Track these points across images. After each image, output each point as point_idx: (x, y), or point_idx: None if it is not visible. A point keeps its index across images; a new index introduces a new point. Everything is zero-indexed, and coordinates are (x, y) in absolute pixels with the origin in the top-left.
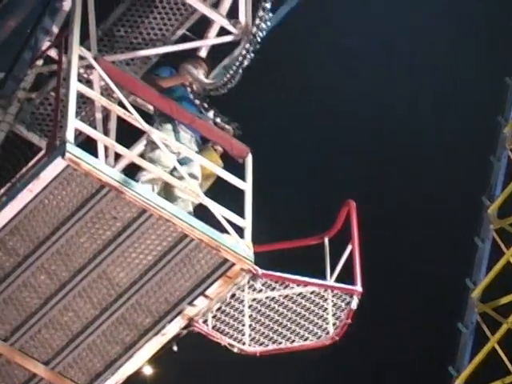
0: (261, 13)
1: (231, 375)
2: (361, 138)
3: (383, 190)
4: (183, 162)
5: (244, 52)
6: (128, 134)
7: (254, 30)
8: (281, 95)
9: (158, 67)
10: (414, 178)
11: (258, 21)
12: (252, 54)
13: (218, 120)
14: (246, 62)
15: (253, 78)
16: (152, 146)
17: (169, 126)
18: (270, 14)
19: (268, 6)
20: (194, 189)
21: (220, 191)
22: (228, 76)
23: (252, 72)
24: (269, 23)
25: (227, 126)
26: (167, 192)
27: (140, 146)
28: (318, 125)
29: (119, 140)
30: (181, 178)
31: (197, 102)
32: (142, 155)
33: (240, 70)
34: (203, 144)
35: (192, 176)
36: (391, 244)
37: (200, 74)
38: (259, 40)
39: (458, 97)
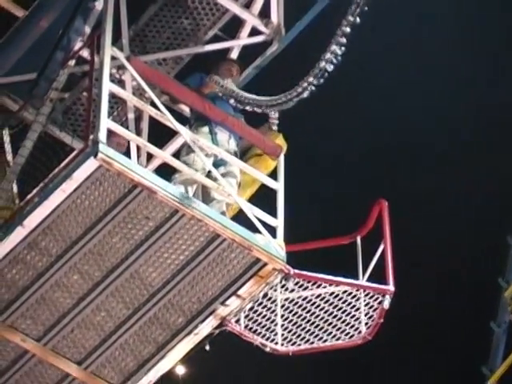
0: (333, 47)
1: (263, 376)
2: (398, 138)
3: (413, 187)
4: (220, 163)
5: (311, 79)
6: (161, 135)
7: (328, 55)
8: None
9: (189, 75)
10: (445, 174)
11: (333, 46)
12: (316, 84)
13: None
14: (308, 91)
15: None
16: (187, 149)
17: (205, 129)
18: (343, 48)
19: (344, 41)
20: (227, 189)
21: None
22: (280, 101)
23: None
24: (339, 58)
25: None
26: (204, 193)
27: (172, 147)
28: (351, 124)
29: (151, 140)
30: (220, 179)
31: (231, 101)
32: (176, 156)
33: (300, 96)
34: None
35: (230, 175)
36: (423, 243)
37: (229, 82)
38: (330, 67)
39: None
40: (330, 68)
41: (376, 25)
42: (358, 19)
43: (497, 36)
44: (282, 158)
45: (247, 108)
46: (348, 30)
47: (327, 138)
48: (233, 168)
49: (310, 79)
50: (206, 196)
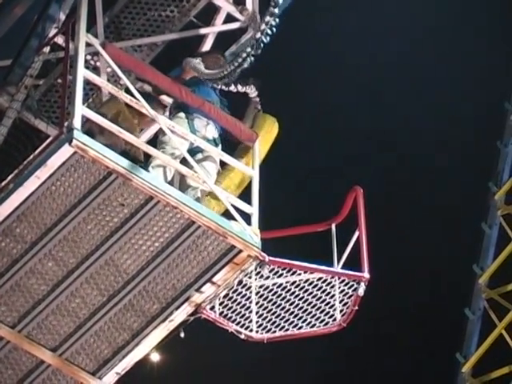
0: (267, 18)
1: (238, 362)
2: (371, 123)
3: (389, 177)
4: (198, 149)
5: (249, 49)
6: None
7: (263, 26)
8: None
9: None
10: (420, 165)
11: (267, 18)
12: (254, 54)
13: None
14: (247, 62)
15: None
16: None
17: (181, 115)
18: (277, 20)
19: (277, 12)
20: (201, 176)
21: None
22: (228, 69)
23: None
24: (274, 29)
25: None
26: (181, 180)
27: (148, 133)
28: (327, 114)
29: None
30: (194, 165)
31: (213, 85)
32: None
33: (241, 67)
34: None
35: (209, 160)
36: (396, 230)
37: (197, 62)
38: (267, 39)
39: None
40: (266, 39)
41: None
42: None
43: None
44: (257, 144)
45: (210, 84)
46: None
47: (308, 124)
48: (211, 154)
49: (248, 50)
50: (182, 183)
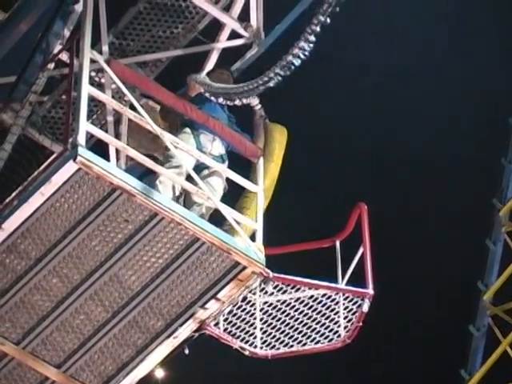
0: (302, 43)
1: (243, 379)
2: (373, 141)
3: (394, 193)
4: (204, 165)
5: (277, 70)
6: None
7: (296, 50)
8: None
9: (168, 79)
10: (425, 181)
11: (302, 43)
12: (282, 76)
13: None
14: (274, 81)
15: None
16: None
17: (187, 130)
18: (311, 45)
19: (313, 39)
20: (206, 192)
21: (231, 194)
22: (251, 86)
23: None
24: (307, 54)
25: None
26: (187, 196)
27: None
28: (330, 126)
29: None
30: (199, 182)
31: (220, 101)
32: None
33: (266, 85)
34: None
35: (216, 175)
36: (401, 247)
37: (202, 76)
38: (298, 62)
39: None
40: (297, 62)
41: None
42: (328, 19)
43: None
44: (262, 161)
45: (220, 100)
46: (318, 28)
47: (309, 138)
48: (217, 170)
49: (277, 70)
50: (188, 199)
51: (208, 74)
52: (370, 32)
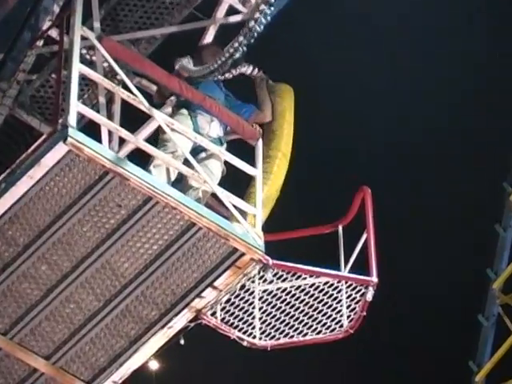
0: (262, 7)
1: (241, 371)
2: (377, 125)
3: (399, 179)
4: (201, 147)
5: (241, 38)
6: (134, 118)
7: (257, 15)
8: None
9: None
10: (430, 165)
11: (262, 6)
12: (247, 44)
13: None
14: (239, 51)
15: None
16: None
17: (184, 111)
18: (272, 8)
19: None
20: (202, 175)
21: (230, 177)
22: (218, 61)
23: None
24: (268, 18)
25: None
26: (183, 180)
27: (146, 131)
28: (330, 113)
29: (124, 124)
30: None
31: (216, 79)
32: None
33: (232, 57)
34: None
35: (214, 158)
36: (408, 233)
37: (185, 61)
38: (260, 28)
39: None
40: (260, 28)
41: None
42: None
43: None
44: (260, 143)
45: (214, 81)
46: None
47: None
48: (215, 153)
49: (240, 39)
50: (185, 183)
51: (201, 51)
52: None
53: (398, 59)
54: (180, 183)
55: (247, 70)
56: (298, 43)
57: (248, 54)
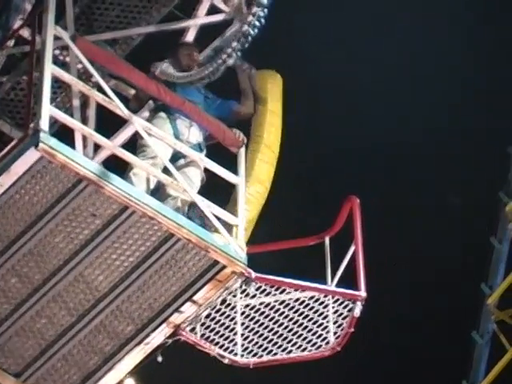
0: (255, 9)
1: None
2: (366, 137)
3: (388, 186)
4: (181, 154)
5: (234, 44)
6: (110, 123)
7: (250, 18)
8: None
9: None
10: (423, 177)
11: (255, 8)
12: (241, 49)
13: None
14: (233, 57)
15: None
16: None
17: (162, 114)
18: (265, 10)
19: (265, 2)
20: (182, 183)
21: (211, 186)
22: (210, 68)
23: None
24: (262, 21)
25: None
26: (162, 189)
27: (123, 136)
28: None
29: (99, 129)
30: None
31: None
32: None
33: (226, 63)
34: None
35: (193, 166)
36: (398, 244)
37: (164, 65)
38: (254, 31)
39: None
40: (254, 32)
41: None
42: None
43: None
44: (243, 150)
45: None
46: None
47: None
48: (195, 159)
49: (234, 44)
50: (163, 191)
51: (173, 53)
52: None
53: (398, 59)
54: (159, 192)
55: (243, 66)
56: (297, 42)
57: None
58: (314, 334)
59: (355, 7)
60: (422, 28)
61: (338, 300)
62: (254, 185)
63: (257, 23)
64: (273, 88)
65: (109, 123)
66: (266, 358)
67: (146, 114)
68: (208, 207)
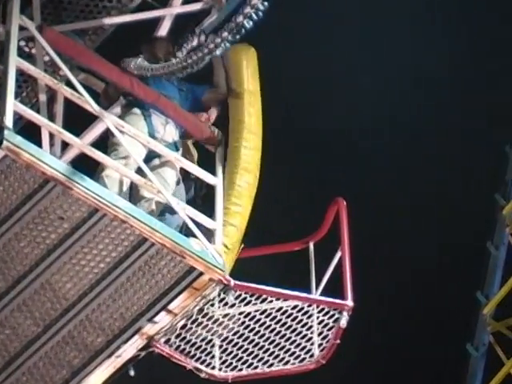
0: (254, 1)
1: None
2: (353, 137)
3: (377, 190)
4: (155, 153)
5: (225, 34)
6: (79, 120)
7: (248, 9)
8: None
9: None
10: (419, 176)
11: (255, 1)
12: (232, 41)
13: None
14: (221, 48)
15: None
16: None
17: (136, 110)
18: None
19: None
20: (156, 185)
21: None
22: (195, 57)
23: None
24: (260, 14)
25: None
26: (134, 190)
27: (93, 134)
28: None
29: (67, 126)
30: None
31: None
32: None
33: (212, 53)
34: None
35: (168, 166)
36: (389, 251)
37: (139, 60)
38: (249, 24)
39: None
40: (249, 24)
41: None
42: None
43: None
44: (222, 148)
45: (165, 78)
46: None
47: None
48: (170, 159)
49: (225, 34)
50: (135, 193)
51: (147, 46)
52: None
53: (397, 59)
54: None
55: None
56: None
57: None
58: (297, 346)
59: None
60: (420, 26)
61: (323, 310)
62: (243, 175)
63: (254, 16)
64: (248, 64)
65: (78, 120)
66: (245, 371)
67: (118, 110)
68: (184, 210)
